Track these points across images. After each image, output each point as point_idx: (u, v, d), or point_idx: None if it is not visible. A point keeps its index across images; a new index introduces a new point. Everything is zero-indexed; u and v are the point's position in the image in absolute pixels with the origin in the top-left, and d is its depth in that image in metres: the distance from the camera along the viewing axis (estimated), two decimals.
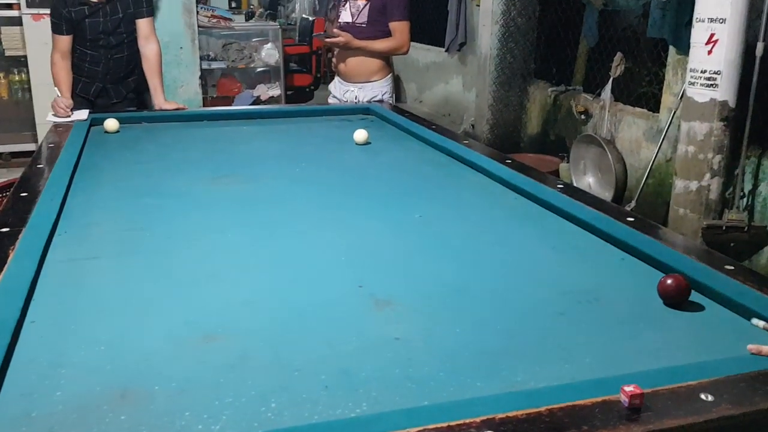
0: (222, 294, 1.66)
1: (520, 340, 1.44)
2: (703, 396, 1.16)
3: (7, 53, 6.02)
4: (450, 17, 6.98)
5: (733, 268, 1.69)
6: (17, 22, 5.84)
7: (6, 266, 1.67)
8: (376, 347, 1.40)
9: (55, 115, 3.52)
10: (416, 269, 1.82)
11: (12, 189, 2.35)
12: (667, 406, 1.14)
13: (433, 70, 7.89)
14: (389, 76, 4.29)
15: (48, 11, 3.89)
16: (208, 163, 2.86)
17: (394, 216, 2.23)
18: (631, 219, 2.04)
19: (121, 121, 3.43)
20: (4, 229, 1.91)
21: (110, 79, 4.00)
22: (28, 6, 5.72)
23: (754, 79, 3.53)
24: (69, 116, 3.49)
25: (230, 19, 7.21)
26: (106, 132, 3.30)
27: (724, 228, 3.67)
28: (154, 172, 2.70)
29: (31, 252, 1.77)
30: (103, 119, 3.43)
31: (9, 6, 5.94)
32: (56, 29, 3.82)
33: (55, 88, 3.71)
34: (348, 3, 4.18)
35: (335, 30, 4.18)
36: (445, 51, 7.26)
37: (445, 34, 7.18)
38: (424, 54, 7.96)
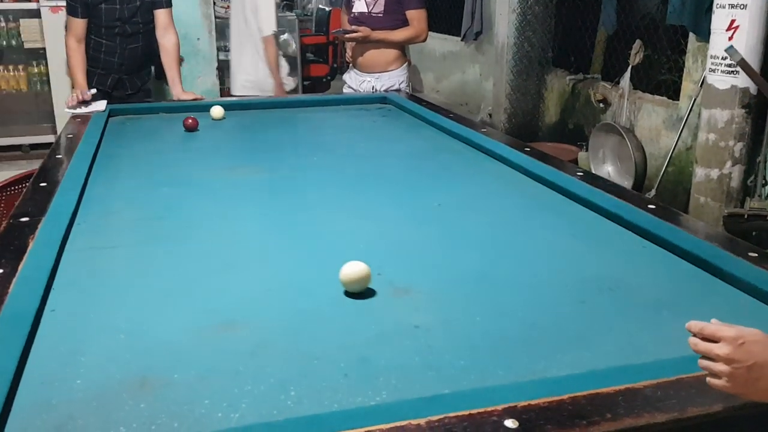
0: (240, 282, 1.65)
1: (540, 328, 1.43)
2: None
3: (26, 45, 6.04)
4: (466, 7, 6.94)
5: (756, 255, 1.67)
6: (36, 14, 5.86)
7: (26, 255, 1.67)
8: (395, 335, 1.39)
9: (72, 107, 3.51)
10: (435, 257, 1.80)
11: (31, 179, 2.36)
12: (691, 394, 1.13)
13: (450, 59, 7.85)
14: (405, 65, 4.28)
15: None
16: (226, 152, 2.86)
17: (412, 204, 2.22)
18: (653, 206, 2.02)
19: (138, 112, 3.45)
20: (24, 219, 1.92)
21: (125, 70, 3.99)
22: None
23: None
24: (88, 99, 3.48)
25: None
26: (213, 119, 3.37)
27: (746, 216, 3.62)
28: (173, 161, 2.70)
29: (50, 241, 1.78)
30: (122, 110, 3.45)
31: None
32: (72, 11, 3.78)
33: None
34: None
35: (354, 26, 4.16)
36: (462, 40, 7.21)
37: (461, 24, 7.13)
38: (440, 44, 7.92)
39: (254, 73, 4.66)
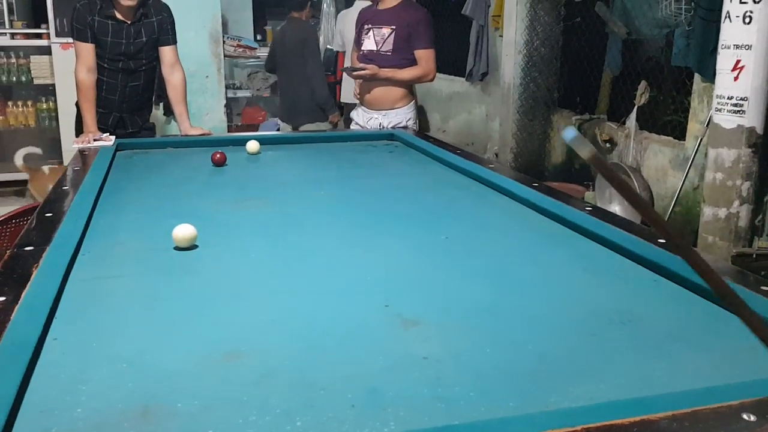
0: (246, 313, 1.63)
1: (551, 360, 1.40)
2: (745, 416, 1.11)
3: (36, 82, 6.11)
4: (471, 47, 7.00)
5: None
6: (46, 51, 5.93)
7: (29, 283, 1.65)
8: (403, 366, 1.36)
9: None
10: (444, 290, 1.78)
11: (36, 210, 2.35)
12: (708, 426, 1.09)
13: (456, 99, 7.89)
14: (412, 103, 4.30)
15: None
16: (233, 186, 2.86)
17: (419, 237, 2.19)
18: (663, 240, 1.99)
19: (146, 146, 3.45)
20: (28, 248, 1.91)
21: (126, 108, 3.98)
22: (57, 35, 5.81)
23: None
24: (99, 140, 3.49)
25: (256, 48, 7.26)
26: (249, 153, 3.40)
27: (754, 256, 3.60)
28: (180, 195, 2.70)
29: (54, 270, 1.76)
30: (130, 145, 3.45)
31: (38, 36, 6.05)
32: (80, 36, 3.73)
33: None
34: (371, 31, 4.20)
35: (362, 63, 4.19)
36: (466, 80, 7.26)
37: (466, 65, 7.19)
38: (447, 84, 7.97)
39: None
